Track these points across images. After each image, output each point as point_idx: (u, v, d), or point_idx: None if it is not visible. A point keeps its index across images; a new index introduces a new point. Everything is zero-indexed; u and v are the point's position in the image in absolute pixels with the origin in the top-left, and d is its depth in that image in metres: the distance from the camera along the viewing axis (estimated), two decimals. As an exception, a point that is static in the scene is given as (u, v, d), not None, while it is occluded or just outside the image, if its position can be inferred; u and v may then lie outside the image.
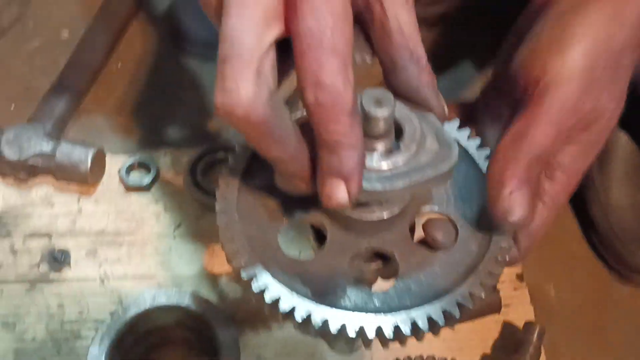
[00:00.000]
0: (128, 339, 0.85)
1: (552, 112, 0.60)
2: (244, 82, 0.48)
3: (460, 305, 0.56)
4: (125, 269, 1.00)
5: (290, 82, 0.55)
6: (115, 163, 1.09)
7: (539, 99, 0.61)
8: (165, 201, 1.07)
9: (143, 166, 1.09)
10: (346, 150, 0.51)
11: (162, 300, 0.86)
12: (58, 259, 0.97)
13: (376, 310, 0.56)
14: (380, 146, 0.55)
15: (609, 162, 1.07)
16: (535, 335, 0.90)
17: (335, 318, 0.55)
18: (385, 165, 0.55)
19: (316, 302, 0.56)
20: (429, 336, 0.93)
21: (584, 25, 0.61)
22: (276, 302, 0.56)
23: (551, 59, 0.61)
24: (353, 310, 0.56)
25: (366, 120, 0.54)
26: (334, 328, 0.55)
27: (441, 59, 1.30)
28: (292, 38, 0.50)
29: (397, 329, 0.55)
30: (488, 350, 0.96)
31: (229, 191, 0.62)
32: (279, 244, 0.61)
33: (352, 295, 0.58)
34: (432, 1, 1.30)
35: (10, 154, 1.03)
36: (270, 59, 0.50)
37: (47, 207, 1.05)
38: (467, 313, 0.57)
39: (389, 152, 0.56)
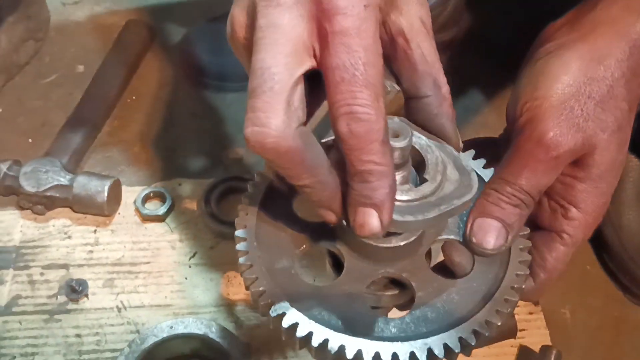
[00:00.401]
0: (146, 369, 0.86)
1: (526, 148, 0.62)
2: (274, 113, 0.50)
3: (476, 333, 0.56)
4: (142, 298, 1.00)
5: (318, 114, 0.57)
6: (131, 194, 1.11)
7: (516, 137, 0.64)
8: (181, 231, 1.08)
9: (158, 196, 1.11)
10: (378, 180, 0.52)
11: (180, 329, 0.86)
12: (76, 289, 0.98)
13: (393, 337, 0.57)
14: (399, 177, 0.56)
15: (621, 184, 1.08)
16: (552, 359, 0.90)
17: (351, 344, 0.56)
18: (414, 195, 0.56)
19: (332, 328, 0.57)
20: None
21: (560, 65, 0.64)
22: (294, 327, 0.57)
23: (527, 99, 0.64)
24: (370, 337, 0.56)
25: None
26: (350, 354, 0.55)
27: (452, 84, 1.32)
28: (324, 71, 0.51)
29: (412, 356, 0.55)
30: (505, 375, 0.95)
31: (247, 219, 0.63)
32: (297, 271, 0.61)
33: (370, 322, 0.58)
34: (440, 28, 1.32)
35: (29, 186, 1.04)
36: (300, 91, 0.52)
37: (65, 238, 1.06)
38: (483, 339, 0.57)
39: (408, 183, 0.57)
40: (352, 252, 0.62)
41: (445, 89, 0.61)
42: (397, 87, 0.64)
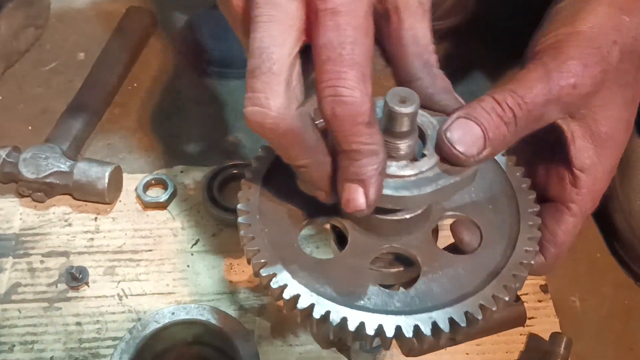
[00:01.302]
0: (147, 356, 0.84)
1: (546, 67, 0.58)
2: (273, 94, 0.50)
3: (483, 308, 0.55)
4: (143, 286, 0.99)
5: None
6: (132, 181, 1.09)
7: (535, 57, 0.59)
8: (183, 218, 1.06)
9: (160, 183, 1.09)
10: (364, 158, 0.51)
11: (182, 315, 0.85)
12: (76, 277, 0.97)
13: (396, 311, 0.55)
14: (404, 146, 0.55)
15: (630, 170, 1.06)
16: (563, 346, 0.88)
17: (353, 317, 0.54)
18: (410, 171, 0.55)
19: (334, 301, 0.55)
20: (452, 349, 0.93)
21: (589, 8, 0.61)
22: (294, 299, 0.55)
23: (552, 30, 0.60)
24: (373, 311, 0.55)
25: (391, 118, 0.53)
26: (352, 326, 0.54)
27: (452, 72, 1.30)
28: (313, 49, 0.51)
29: (417, 329, 0.54)
30: (514, 363, 0.94)
31: (251, 193, 0.61)
32: (300, 245, 0.60)
33: (373, 296, 0.57)
34: (443, 15, 1.30)
35: (28, 173, 1.03)
36: (297, 69, 0.52)
37: (65, 226, 1.05)
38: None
39: (413, 157, 0.56)
40: (356, 227, 0.60)
41: (436, 67, 0.60)
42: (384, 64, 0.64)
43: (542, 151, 0.67)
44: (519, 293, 0.95)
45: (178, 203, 1.08)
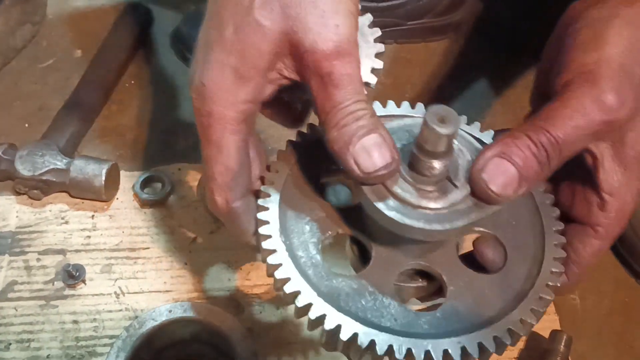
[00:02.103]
0: (145, 354, 0.84)
1: (579, 103, 0.56)
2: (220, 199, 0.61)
3: (511, 332, 0.54)
4: (141, 284, 0.98)
5: None
6: (129, 179, 1.08)
7: (565, 91, 0.58)
8: (180, 216, 1.06)
9: (158, 181, 1.08)
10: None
11: (179, 313, 0.84)
12: (73, 275, 0.96)
13: (424, 334, 0.54)
14: (439, 165, 0.53)
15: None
16: (563, 343, 0.88)
17: (382, 340, 0.53)
18: (442, 203, 0.54)
19: (361, 322, 0.54)
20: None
21: (611, 30, 0.59)
22: (321, 319, 0.54)
23: (577, 61, 0.59)
24: (400, 333, 0.54)
25: (428, 137, 0.52)
26: (381, 350, 0.52)
27: (456, 68, 1.30)
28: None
29: (446, 354, 0.53)
30: (513, 361, 0.93)
31: (270, 201, 0.60)
32: (321, 259, 0.58)
33: (399, 315, 0.55)
34: (443, 11, 1.30)
35: (24, 170, 1.02)
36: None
37: (62, 224, 1.04)
38: (516, 339, 0.55)
39: (444, 188, 0.55)
40: (380, 241, 0.59)
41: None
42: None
43: (567, 171, 0.63)
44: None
45: (176, 200, 1.07)
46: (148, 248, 1.02)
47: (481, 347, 0.53)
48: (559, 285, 0.57)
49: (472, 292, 0.57)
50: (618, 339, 0.98)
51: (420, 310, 0.58)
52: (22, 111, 1.19)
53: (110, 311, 0.95)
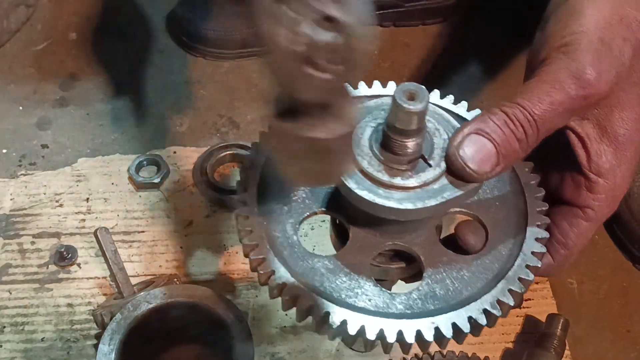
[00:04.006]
0: (139, 337, 0.83)
1: (557, 78, 0.55)
2: None
3: (487, 313, 0.53)
4: (136, 267, 0.97)
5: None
6: (124, 162, 1.07)
7: (544, 66, 0.56)
8: (176, 199, 1.05)
9: (153, 164, 1.07)
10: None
11: (174, 295, 0.83)
12: (64, 256, 0.95)
13: (398, 314, 0.54)
14: (412, 144, 0.52)
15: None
16: (560, 327, 0.87)
17: (354, 320, 0.52)
18: (414, 182, 0.53)
19: (336, 302, 0.53)
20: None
21: (592, 4, 0.57)
22: (294, 299, 0.54)
23: (558, 33, 0.57)
24: (374, 313, 0.53)
25: (398, 115, 0.51)
26: (352, 330, 0.52)
27: (455, 51, 1.29)
28: None
29: (419, 335, 0.52)
30: (510, 345, 0.93)
31: (249, 184, 0.59)
32: (299, 240, 0.58)
33: (374, 296, 0.55)
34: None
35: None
36: None
37: (56, 207, 1.03)
38: (494, 321, 0.54)
39: (418, 167, 0.53)
40: (357, 222, 0.58)
41: None
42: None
43: (554, 153, 0.63)
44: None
45: (171, 184, 1.06)
46: (143, 231, 1.01)
47: (455, 328, 0.52)
48: (539, 266, 0.56)
49: (450, 273, 0.56)
50: (615, 323, 0.98)
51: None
52: (16, 94, 1.18)
53: (105, 294, 0.95)
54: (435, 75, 1.24)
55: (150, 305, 0.82)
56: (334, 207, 0.59)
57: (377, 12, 1.30)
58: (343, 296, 0.54)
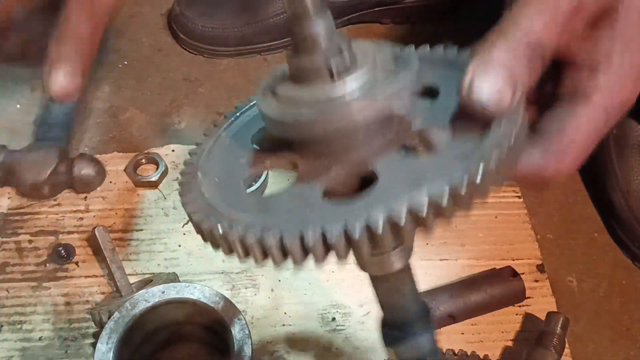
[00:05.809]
0: (137, 336, 0.83)
1: None
2: None
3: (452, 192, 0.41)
4: (134, 266, 0.97)
5: None
6: (123, 160, 1.07)
7: None
8: (174, 197, 1.04)
9: (151, 162, 1.07)
10: None
11: (172, 294, 0.83)
12: (62, 255, 0.95)
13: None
14: (318, 29, 0.44)
15: (628, 149, 1.05)
16: (559, 325, 0.87)
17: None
18: (345, 86, 0.44)
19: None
20: (447, 329, 0.92)
21: None
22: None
23: None
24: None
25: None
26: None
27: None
28: None
29: (368, 226, 0.40)
30: (510, 343, 0.92)
31: (206, 143, 0.53)
32: (244, 190, 0.50)
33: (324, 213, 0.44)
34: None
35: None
36: None
37: (54, 205, 1.03)
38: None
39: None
40: (306, 155, 0.49)
41: None
42: None
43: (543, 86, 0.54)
44: (517, 270, 0.94)
45: (169, 182, 1.06)
46: (141, 230, 1.01)
47: (412, 213, 0.41)
48: (511, 140, 0.43)
49: (406, 176, 0.45)
50: (615, 321, 0.98)
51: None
52: (13, 92, 1.17)
53: (104, 293, 0.94)
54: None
55: (149, 304, 0.82)
56: (283, 148, 0.50)
57: (376, 9, 1.30)
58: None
